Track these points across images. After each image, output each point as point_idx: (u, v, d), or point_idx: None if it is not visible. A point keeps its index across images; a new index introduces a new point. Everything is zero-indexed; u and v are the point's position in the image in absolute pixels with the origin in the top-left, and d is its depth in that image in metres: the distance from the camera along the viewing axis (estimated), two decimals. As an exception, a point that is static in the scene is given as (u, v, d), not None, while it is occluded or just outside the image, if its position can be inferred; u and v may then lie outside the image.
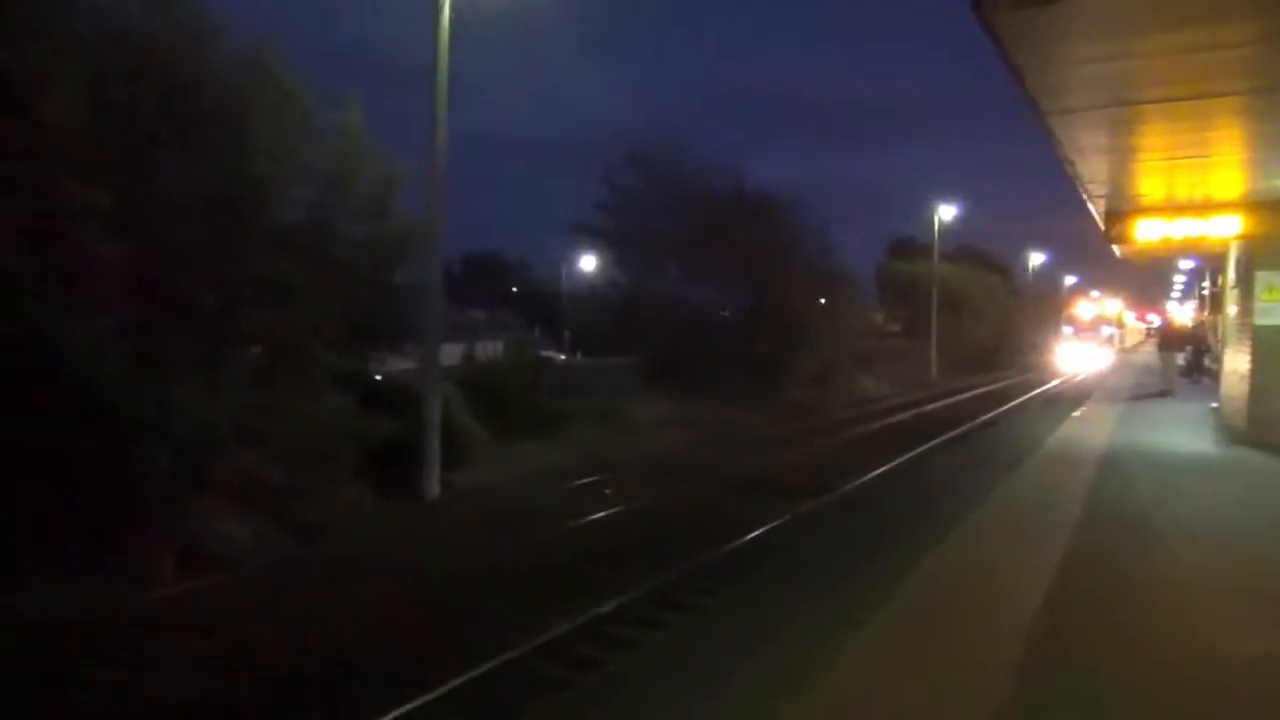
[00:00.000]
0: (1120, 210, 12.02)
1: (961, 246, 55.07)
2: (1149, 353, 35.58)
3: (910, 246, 50.81)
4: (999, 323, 48.96)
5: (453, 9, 13.63)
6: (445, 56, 13.58)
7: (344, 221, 12.03)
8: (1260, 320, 11.68)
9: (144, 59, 9.41)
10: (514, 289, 60.21)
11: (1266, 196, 11.12)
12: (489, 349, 32.05)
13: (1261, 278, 11.67)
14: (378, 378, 15.64)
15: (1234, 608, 5.24)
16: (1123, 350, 61.88)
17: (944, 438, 19.19)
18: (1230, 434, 12.88)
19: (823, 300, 29.98)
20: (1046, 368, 46.32)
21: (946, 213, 43.70)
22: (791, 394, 25.61)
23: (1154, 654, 4.52)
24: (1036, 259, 62.63)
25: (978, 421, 22.31)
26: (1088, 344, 52.13)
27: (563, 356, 40.75)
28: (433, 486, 13.20)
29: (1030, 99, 6.52)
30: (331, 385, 11.96)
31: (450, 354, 26.08)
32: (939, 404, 27.97)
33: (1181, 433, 13.35)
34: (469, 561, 9.40)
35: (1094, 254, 16.12)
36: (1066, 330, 55.26)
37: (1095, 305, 63.32)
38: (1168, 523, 7.43)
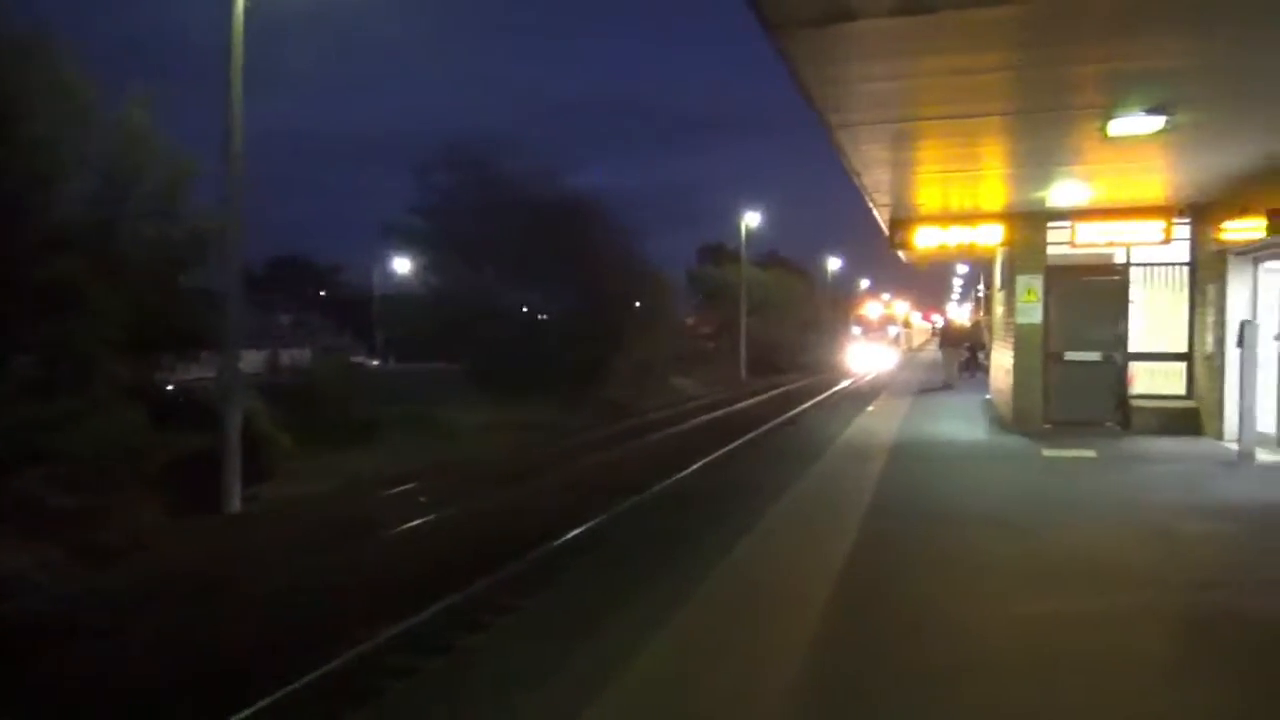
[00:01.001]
0: (902, 218, 13.08)
1: (768, 253, 57.84)
2: (934, 351, 38.40)
3: (720, 252, 52.78)
4: (801, 325, 51.58)
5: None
6: (240, 47, 12.89)
7: (130, 220, 11.19)
8: (1020, 319, 13.02)
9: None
10: (322, 293, 57.68)
11: (1025, 208, 12.44)
12: (295, 355, 30.62)
13: (1021, 281, 13.01)
14: (169, 388, 14.65)
15: (1003, 574, 5.85)
16: (909, 349, 63.75)
17: (752, 434, 20.10)
18: (1000, 423, 14.28)
19: (638, 303, 30.62)
20: (840, 367, 47.59)
21: (753, 219, 45.72)
22: (610, 395, 26.00)
23: (932, 614, 5.00)
24: (834, 264, 66.67)
25: (782, 418, 23.48)
26: (875, 344, 53.20)
27: (376, 362, 39.51)
28: (234, 502, 12.48)
29: (819, 113, 7.01)
30: (120, 397, 11.07)
31: (253, 361, 24.76)
32: (747, 402, 29.20)
33: (960, 423, 14.65)
34: (265, 581, 8.84)
35: (884, 259, 17.59)
36: (855, 331, 56.50)
37: (881, 306, 63.25)
38: (944, 502, 8.21)
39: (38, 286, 9.17)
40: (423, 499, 13.17)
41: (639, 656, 4.45)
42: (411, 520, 11.58)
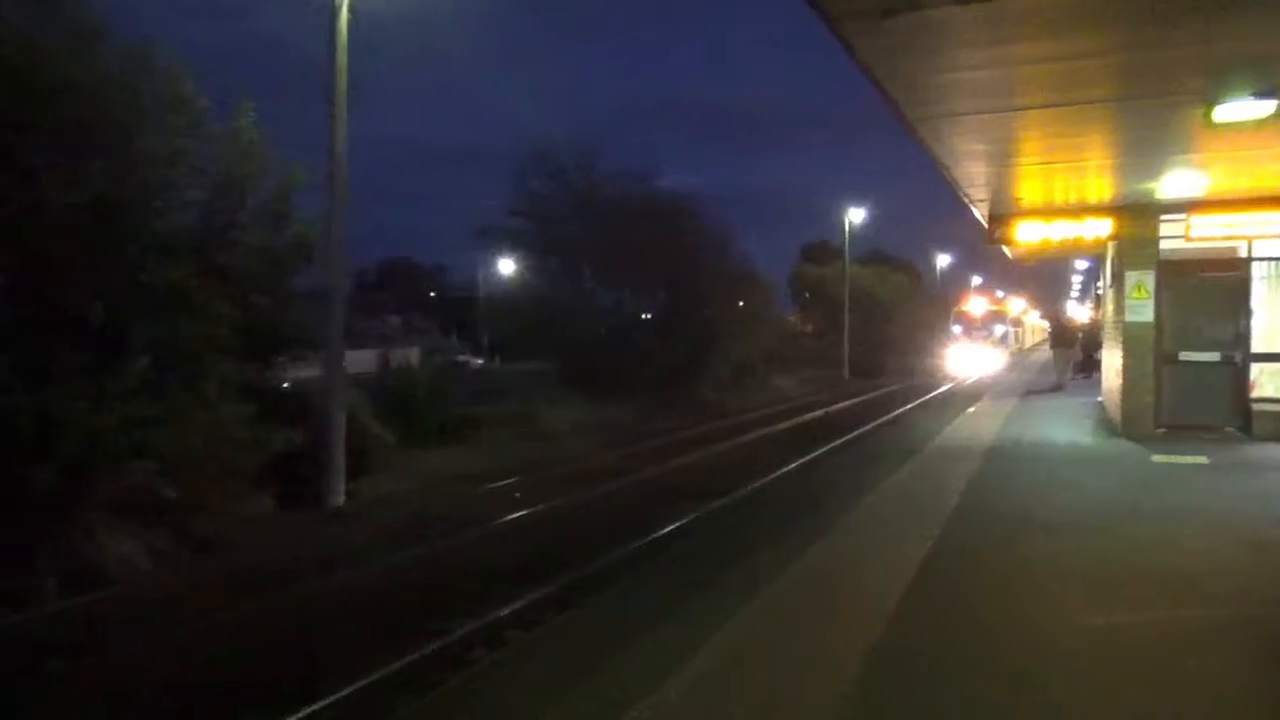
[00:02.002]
0: (1001, 213, 12.61)
1: (872, 250, 56.65)
2: (1048, 351, 36.42)
3: (823, 250, 52.00)
4: (908, 323, 50.17)
5: (350, 11, 13.51)
6: (344, 57, 13.47)
7: (240, 227, 11.79)
8: (1130, 317, 12.35)
9: (25, 58, 9.10)
10: (430, 294, 59.50)
11: (1135, 200, 11.82)
12: (404, 355, 31.68)
13: (1131, 277, 12.34)
14: (284, 385, 15.37)
15: (1087, 584, 5.59)
16: (1020, 350, 57.33)
17: (848, 436, 19.74)
18: (1109, 426, 13.59)
19: (739, 303, 30.49)
20: (942, 369, 43.12)
21: (856, 216, 44.86)
22: (706, 396, 25.97)
23: (1004, 622, 4.82)
24: (943, 260, 64.79)
25: (880, 420, 22.97)
26: (978, 345, 46.12)
27: (479, 361, 40.52)
28: (337, 496, 13.03)
29: (896, 107, 6.83)
30: (229, 394, 11.71)
31: (364, 361, 25.76)
32: (846, 403, 28.68)
33: (1065, 426, 14.01)
34: (363, 574, 9.25)
35: (997, 256, 16.85)
36: (955, 329, 47.68)
37: (986, 301, 54.59)
38: (1034, 508, 7.87)
39: (151, 291, 9.76)
40: (516, 495, 13.47)
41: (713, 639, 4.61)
42: (505, 516, 11.86)
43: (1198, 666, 4.27)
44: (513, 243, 28.98)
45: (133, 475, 9.34)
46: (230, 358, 10.93)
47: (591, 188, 26.53)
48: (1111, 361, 14.75)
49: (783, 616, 5.16)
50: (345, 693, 6.13)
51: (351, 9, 13.59)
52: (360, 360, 27.02)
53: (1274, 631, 4.70)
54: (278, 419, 12.14)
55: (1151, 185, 10.71)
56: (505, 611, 7.81)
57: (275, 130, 11.92)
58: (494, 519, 11.68)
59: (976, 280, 75.10)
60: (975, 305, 52.33)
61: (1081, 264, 44.38)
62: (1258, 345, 12.17)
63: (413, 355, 35.33)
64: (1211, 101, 6.79)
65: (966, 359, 42.91)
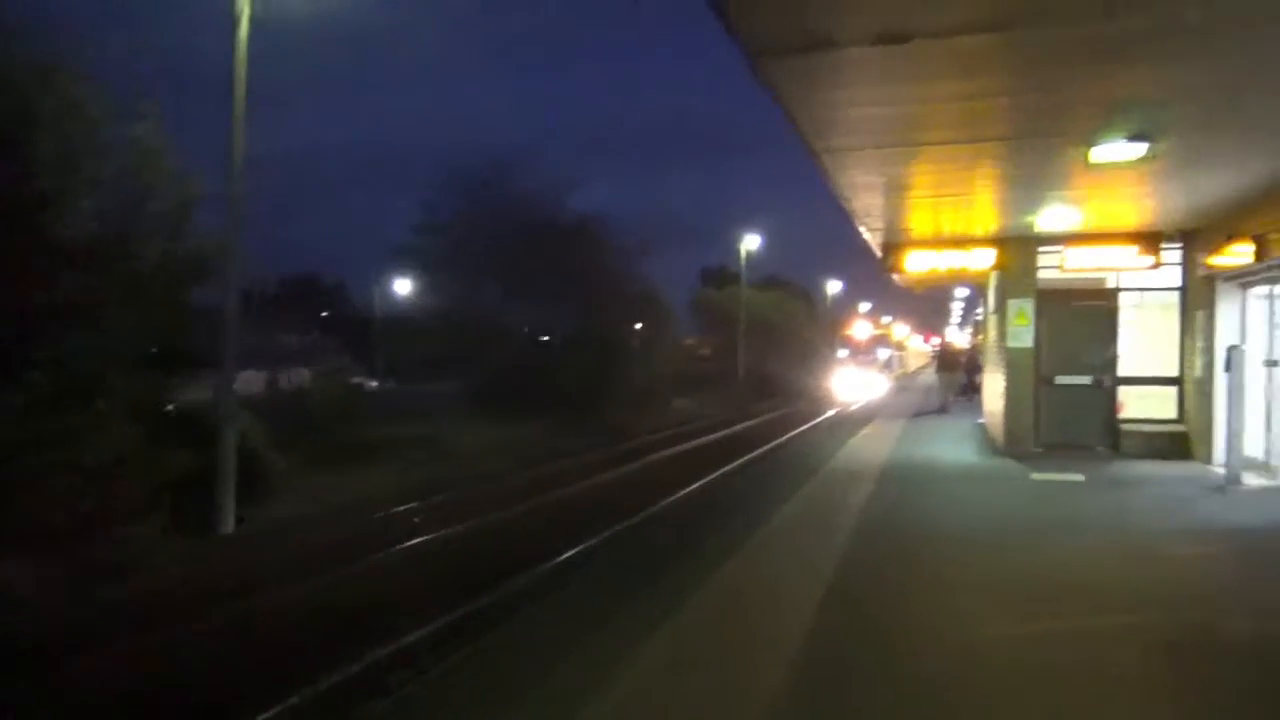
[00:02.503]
0: (894, 242, 13.22)
1: (769, 276, 58.04)
2: (933, 376, 37.58)
3: (722, 274, 53.04)
4: (802, 347, 51.53)
5: (251, 21, 13.18)
6: (243, 69, 13.11)
7: (138, 240, 11.29)
8: (1012, 343, 13.11)
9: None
10: (324, 313, 57.83)
11: (1016, 232, 12.58)
12: (295, 376, 30.68)
13: (1013, 304, 13.12)
14: (169, 407, 14.73)
15: (981, 596, 5.91)
16: (904, 374, 57.11)
17: (748, 456, 20.18)
18: (991, 446, 14.33)
19: (639, 325, 30.79)
20: (830, 393, 43.33)
21: (752, 242, 46.01)
22: (612, 417, 26.07)
23: (908, 632, 5.06)
24: (834, 286, 66.90)
25: (777, 441, 23.54)
26: (863, 369, 45.74)
27: (374, 383, 39.54)
28: (227, 522, 12.54)
29: (804, 139, 7.14)
30: (122, 414, 11.16)
31: (253, 381, 24.86)
32: (744, 425, 29.25)
33: (951, 446, 14.70)
34: (247, 605, 8.82)
35: (886, 282, 17.67)
36: (841, 354, 47.84)
37: (870, 326, 54.29)
38: (928, 524, 8.29)
39: (48, 303, 9.26)
40: (416, 520, 13.22)
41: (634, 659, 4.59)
42: (404, 542, 11.62)
43: (1097, 669, 4.59)
44: (421, 260, 28.63)
45: (20, 497, 8.78)
46: (129, 375, 10.45)
47: (499, 206, 26.45)
48: (994, 384, 15.57)
49: (694, 643, 5.17)
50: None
51: (252, 20, 13.27)
52: (250, 381, 26.09)
53: (1161, 636, 5.07)
54: (169, 442, 11.63)
55: (1032, 219, 11.44)
56: (388, 650, 7.39)
57: (180, 142, 11.51)
58: (391, 546, 11.40)
59: (865, 306, 77.91)
60: (860, 330, 52.70)
61: (962, 292, 46.72)
62: (1124, 369, 13.10)
63: (305, 376, 34.28)
64: (1090, 143, 7.36)
65: (851, 383, 42.89)
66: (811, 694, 4.25)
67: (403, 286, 37.58)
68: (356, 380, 38.06)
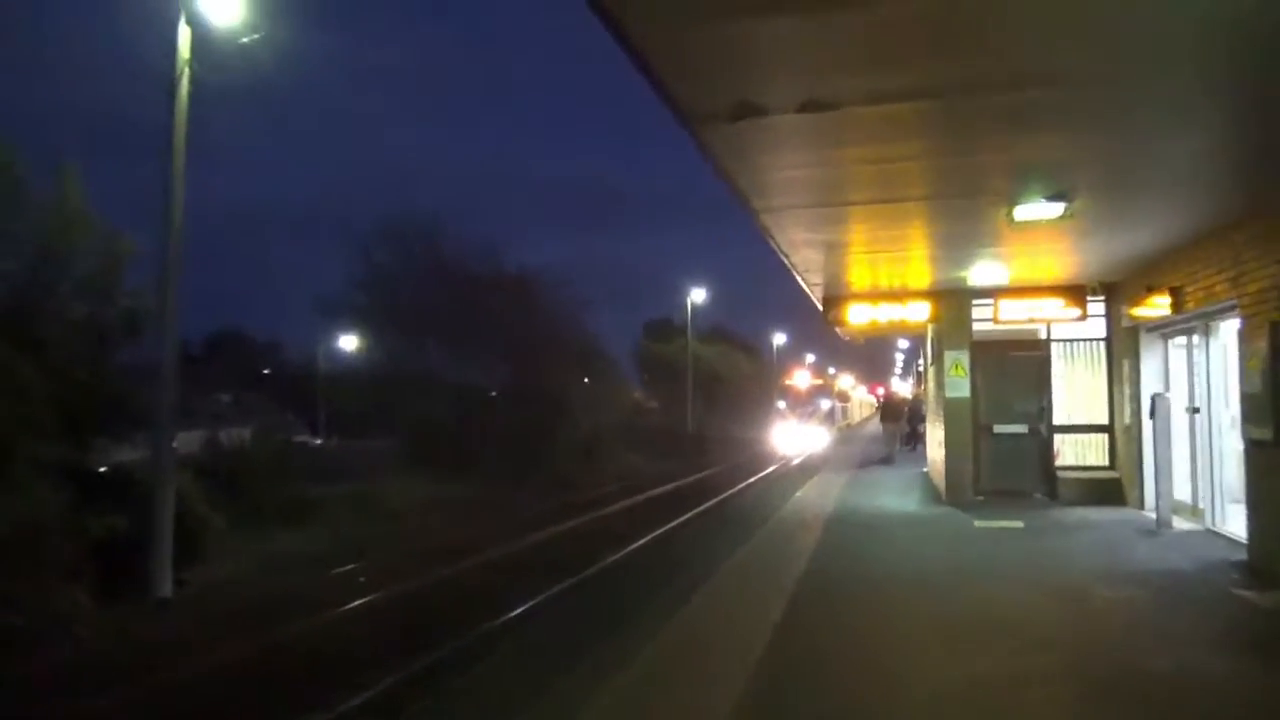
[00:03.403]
0: (834, 295, 13.51)
1: (713, 328, 58.61)
2: (877, 426, 37.61)
3: (666, 327, 53.40)
4: (748, 399, 51.92)
5: (191, 83, 13.15)
6: (182, 131, 13.02)
7: (62, 299, 11.08)
8: (949, 393, 13.43)
9: None
10: (264, 371, 56.77)
11: (950, 286, 12.96)
12: (235, 435, 29.97)
13: (949, 356, 13.47)
14: (101, 469, 14.31)
15: (927, 638, 6.01)
16: (847, 426, 54.94)
17: (698, 509, 20.20)
18: (934, 495, 14.58)
19: (585, 379, 30.79)
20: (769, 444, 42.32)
21: (698, 295, 46.55)
22: (555, 470, 25.91)
23: (854, 674, 5.12)
24: (779, 339, 67.83)
25: (725, 494, 23.62)
26: (802, 421, 42.60)
27: (318, 440, 38.79)
28: (164, 585, 12.14)
29: (741, 199, 7.34)
30: (43, 477, 10.82)
31: (191, 440, 24.19)
32: (692, 478, 29.30)
33: (895, 496, 14.91)
34: (190, 671, 8.61)
35: (829, 335, 17.96)
36: (780, 405, 44.35)
37: (809, 375, 51.33)
38: (873, 572, 8.41)
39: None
40: (361, 580, 12.98)
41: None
42: (347, 603, 11.39)
43: (1034, 705, 4.70)
44: (355, 316, 28.36)
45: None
46: (45, 438, 10.15)
47: (437, 261, 26.43)
48: (934, 434, 15.89)
49: (642, 695, 5.23)
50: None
51: (193, 80, 13.22)
52: (187, 440, 25.40)
53: (1089, 677, 5.21)
54: (99, 503, 11.30)
55: (964, 273, 11.80)
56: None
57: (109, 197, 11.38)
58: (335, 606, 11.18)
59: (810, 358, 78.97)
60: (799, 379, 49.90)
61: (904, 343, 47.72)
62: (1059, 418, 13.49)
63: (244, 434, 33.46)
64: (1012, 203, 7.67)
65: (790, 437, 40.73)
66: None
67: (346, 342, 37.12)
68: (300, 438, 37.39)
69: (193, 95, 13.15)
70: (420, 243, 26.42)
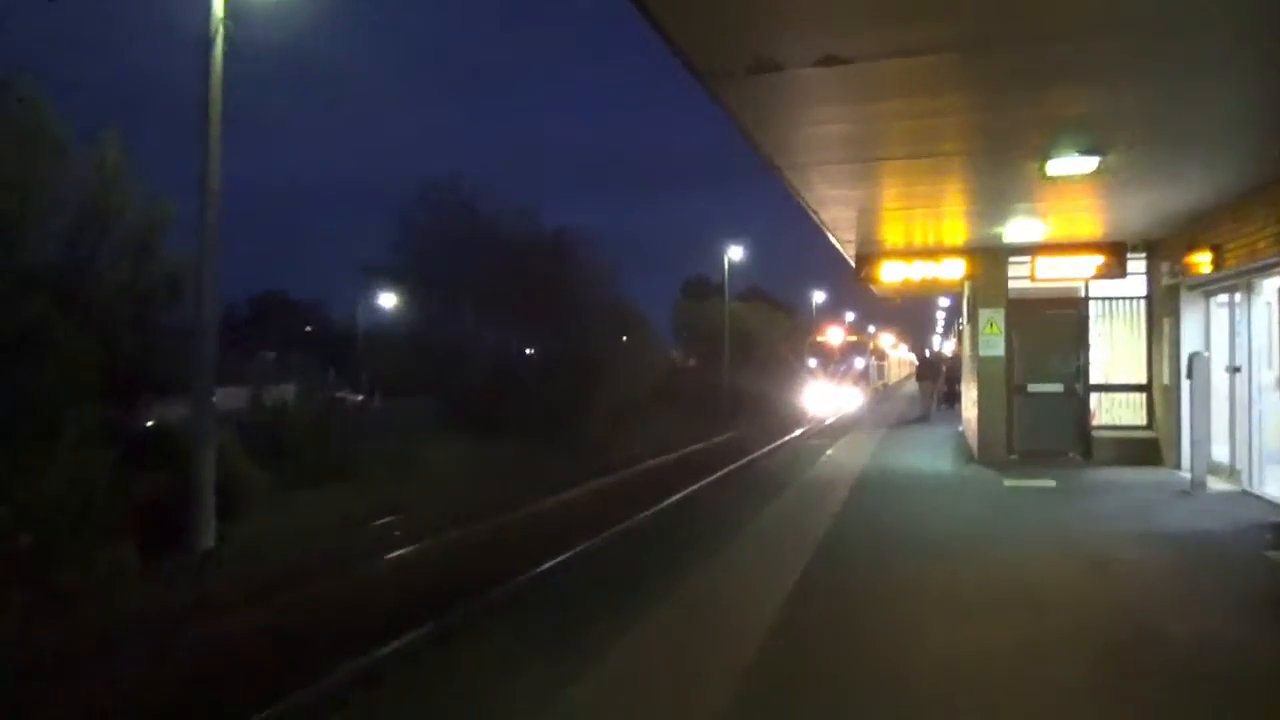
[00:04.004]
0: (867, 254, 13.36)
1: (751, 288, 58.25)
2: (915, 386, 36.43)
3: (703, 286, 53.20)
4: (785, 359, 51.47)
5: (226, 42, 13.24)
6: (218, 90, 13.14)
7: (105, 262, 11.34)
8: (984, 352, 13.26)
9: None
10: (307, 329, 57.70)
11: (986, 243, 12.74)
12: (279, 392, 30.58)
13: (984, 314, 13.27)
14: (149, 424, 14.71)
15: (950, 601, 6.01)
16: (884, 386, 51.84)
17: (732, 466, 20.27)
18: (967, 455, 14.47)
19: (623, 339, 30.86)
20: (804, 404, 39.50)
21: (736, 254, 46.20)
22: (592, 431, 26.10)
23: (872, 638, 5.16)
24: (819, 298, 67.16)
25: (760, 452, 23.64)
26: (835, 381, 38.81)
27: (360, 398, 39.47)
28: (207, 540, 12.51)
29: (764, 156, 7.26)
30: (91, 437, 11.16)
31: (235, 399, 24.75)
32: (727, 436, 29.34)
33: (928, 455, 14.82)
34: (238, 622, 8.89)
35: (868, 293, 17.70)
36: (810, 363, 40.69)
37: (843, 331, 46.82)
38: (900, 532, 8.41)
39: (8, 330, 9.29)
40: (397, 534, 13.27)
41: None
42: (385, 555, 11.66)
43: (1049, 670, 4.71)
44: (395, 279, 28.63)
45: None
46: (93, 399, 10.45)
47: (475, 226, 26.54)
48: (969, 393, 15.73)
49: (658, 651, 5.31)
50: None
51: (228, 39, 13.32)
52: (232, 398, 25.97)
53: (1113, 639, 5.18)
54: (144, 462, 11.64)
55: (1000, 230, 11.60)
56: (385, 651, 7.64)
57: (152, 164, 11.58)
58: (374, 560, 11.46)
59: (850, 317, 78.13)
60: (833, 336, 45.24)
61: (945, 301, 47.03)
62: (1095, 377, 13.27)
63: (288, 392, 34.14)
64: (1045, 157, 7.51)
65: (818, 398, 37.86)
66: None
67: (386, 301, 37.50)
68: (340, 395, 38.07)
69: (229, 56, 13.30)
70: (458, 207, 26.54)
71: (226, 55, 13.28)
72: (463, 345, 26.12)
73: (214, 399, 13.25)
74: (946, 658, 4.94)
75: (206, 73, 13.07)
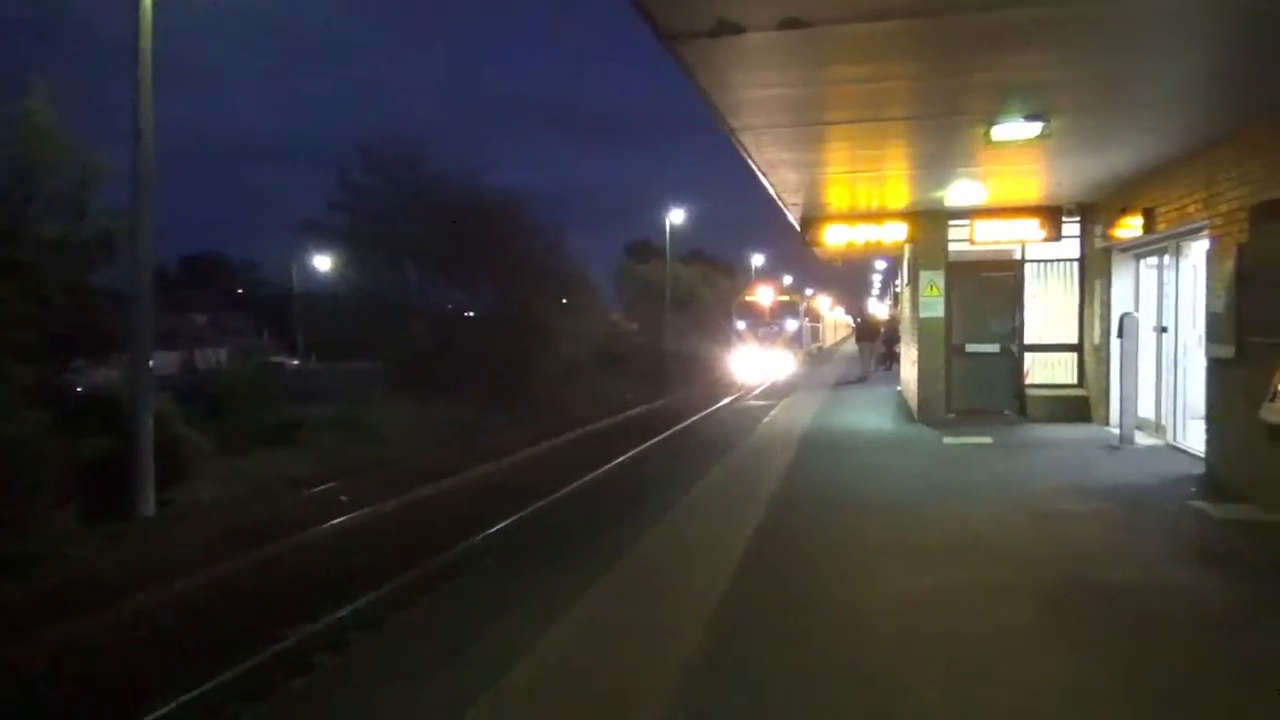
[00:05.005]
0: (812, 217, 13.53)
1: (693, 250, 58.47)
2: (854, 348, 35.58)
3: (646, 249, 53.22)
4: (725, 321, 51.84)
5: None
6: (149, 40, 12.67)
7: (34, 220, 10.91)
8: (924, 313, 13.60)
9: None
10: (239, 291, 56.28)
11: (926, 207, 13.00)
12: (212, 356, 29.93)
13: (924, 276, 13.59)
14: (79, 390, 14.31)
15: (891, 553, 6.25)
16: (820, 350, 49.56)
17: (676, 428, 20.50)
18: (907, 413, 14.88)
19: (564, 300, 30.75)
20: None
21: (677, 217, 46.25)
22: (537, 393, 26.09)
23: (821, 590, 5.36)
24: (758, 260, 67.76)
25: (702, 414, 23.93)
26: (764, 345, 36.09)
27: (295, 361, 38.80)
28: (148, 505, 12.30)
29: (720, 118, 7.30)
30: (23, 400, 10.82)
31: (167, 362, 24.18)
32: (671, 398, 29.60)
33: (869, 414, 15.22)
34: (184, 585, 8.81)
35: (808, 256, 17.95)
36: (739, 326, 37.63)
37: (773, 291, 43.22)
38: (845, 489, 8.67)
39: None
40: (343, 498, 13.17)
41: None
42: (328, 521, 11.58)
43: (992, 616, 4.96)
44: (334, 239, 28.04)
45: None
46: (25, 360, 10.12)
47: (418, 184, 26.08)
48: (909, 354, 16.12)
49: (623, 602, 5.46)
50: (181, 701, 5.95)
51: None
52: (165, 362, 25.33)
53: (1049, 587, 5.46)
54: (81, 425, 11.34)
55: (941, 194, 11.83)
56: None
57: (85, 119, 11.11)
58: (317, 524, 11.36)
59: (788, 279, 78.91)
60: (762, 295, 41.46)
61: (880, 264, 47.81)
62: (1030, 337, 13.72)
63: (221, 356, 33.40)
64: (990, 122, 7.69)
65: (745, 365, 35.37)
66: (733, 634, 4.51)
67: (322, 263, 36.71)
68: (277, 359, 37.37)
69: (170, 16, 12.79)
70: (399, 165, 26.01)
71: (158, 3, 12.83)
72: (406, 306, 25.77)
73: (150, 363, 12.94)
74: (902, 603, 5.17)
75: (136, 19, 12.61)
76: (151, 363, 13.06)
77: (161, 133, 12.72)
